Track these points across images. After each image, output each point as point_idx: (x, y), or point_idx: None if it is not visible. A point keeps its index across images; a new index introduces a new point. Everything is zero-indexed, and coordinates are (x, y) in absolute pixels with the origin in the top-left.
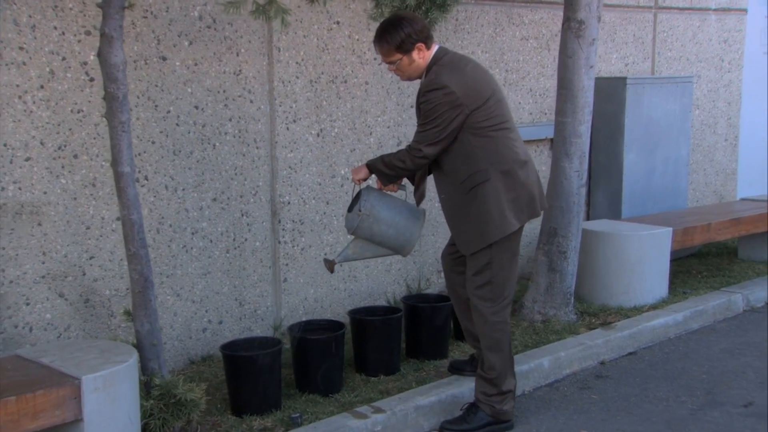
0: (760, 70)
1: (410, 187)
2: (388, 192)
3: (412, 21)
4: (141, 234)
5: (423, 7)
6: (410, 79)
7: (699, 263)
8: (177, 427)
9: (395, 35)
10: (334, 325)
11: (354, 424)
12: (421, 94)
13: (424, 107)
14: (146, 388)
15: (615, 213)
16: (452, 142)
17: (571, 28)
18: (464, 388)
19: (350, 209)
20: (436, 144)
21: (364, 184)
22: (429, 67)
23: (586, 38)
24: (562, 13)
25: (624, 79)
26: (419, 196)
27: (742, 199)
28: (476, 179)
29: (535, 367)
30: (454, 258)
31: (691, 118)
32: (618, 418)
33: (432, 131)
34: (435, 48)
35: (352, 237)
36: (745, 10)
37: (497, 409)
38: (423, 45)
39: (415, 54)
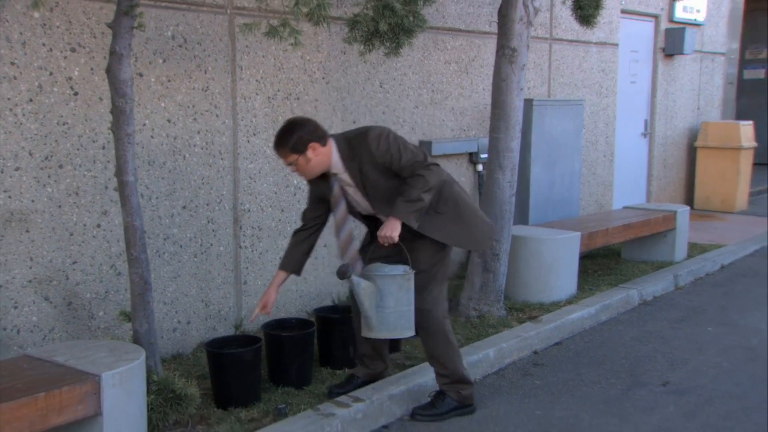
0: (628, 96)
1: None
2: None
3: (303, 124)
4: (142, 239)
5: (394, 32)
6: (312, 176)
7: (592, 264)
8: (171, 420)
9: (288, 139)
10: (303, 323)
11: (339, 412)
12: (375, 154)
13: (390, 154)
14: (146, 384)
15: (523, 220)
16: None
17: (505, 54)
18: (428, 378)
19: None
20: (421, 151)
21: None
22: (342, 152)
23: (518, 64)
24: (479, 41)
25: (531, 101)
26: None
27: (625, 207)
28: (443, 190)
29: (482, 358)
30: None
31: (582, 136)
32: (563, 400)
33: (414, 151)
34: (332, 142)
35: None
36: (617, 45)
37: (462, 394)
38: (316, 144)
39: (310, 153)
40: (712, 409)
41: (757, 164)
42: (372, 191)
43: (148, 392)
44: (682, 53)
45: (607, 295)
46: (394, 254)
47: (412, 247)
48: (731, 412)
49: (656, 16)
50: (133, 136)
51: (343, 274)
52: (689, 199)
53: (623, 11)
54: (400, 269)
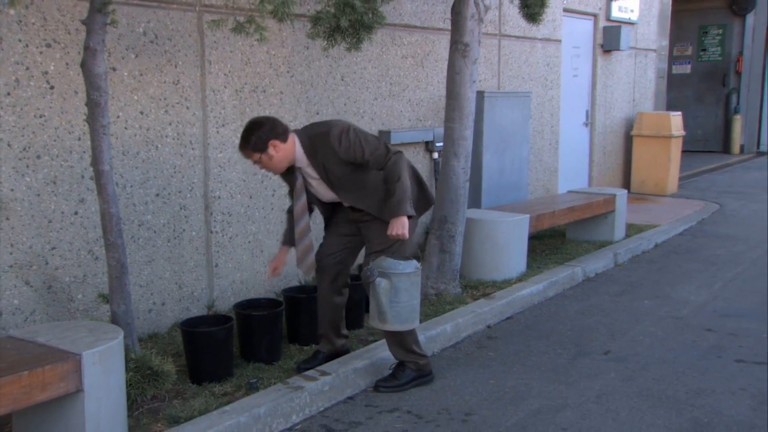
0: (571, 88)
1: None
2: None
3: (262, 124)
4: (118, 225)
5: (354, 28)
6: (279, 171)
7: (540, 244)
8: (149, 395)
9: (249, 139)
10: (272, 303)
11: (307, 385)
12: (338, 151)
13: (353, 150)
14: (125, 362)
15: (476, 203)
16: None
17: (458, 49)
18: (389, 352)
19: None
20: (383, 143)
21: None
22: (305, 148)
23: (470, 58)
24: (433, 37)
25: (482, 92)
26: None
27: (570, 192)
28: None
29: (440, 332)
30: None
31: (530, 126)
32: (515, 370)
33: (374, 143)
34: (294, 137)
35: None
36: (560, 41)
37: (420, 364)
38: (276, 141)
39: (271, 150)
40: (648, 374)
41: (684, 151)
42: (338, 183)
43: (127, 369)
44: (618, 49)
45: (554, 273)
46: (356, 232)
47: (371, 227)
48: (664, 376)
49: (595, 15)
50: (108, 128)
51: (366, 279)
52: (626, 183)
53: (565, 10)
54: (411, 266)
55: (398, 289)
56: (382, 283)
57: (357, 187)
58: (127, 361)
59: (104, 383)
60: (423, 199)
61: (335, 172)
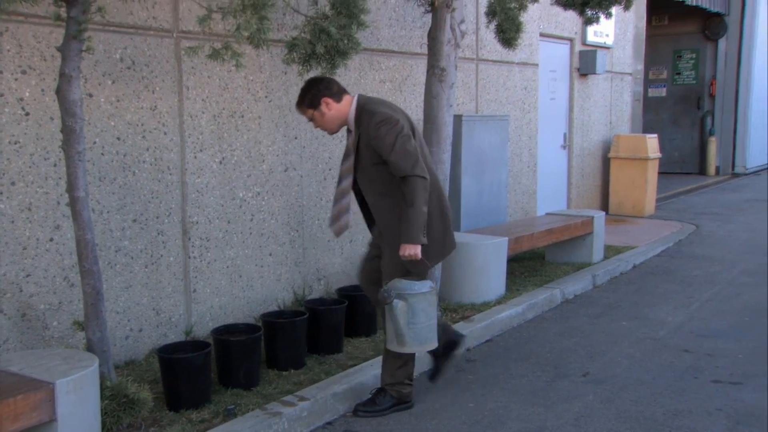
0: (549, 111)
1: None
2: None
3: (318, 82)
4: (94, 252)
5: (330, 54)
6: (332, 130)
7: (519, 266)
8: (125, 423)
9: (304, 96)
10: (251, 328)
11: (285, 410)
12: (371, 134)
13: (381, 142)
14: (100, 389)
15: (455, 227)
16: (384, 167)
17: (435, 74)
18: (368, 376)
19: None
20: (417, 159)
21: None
22: (356, 113)
23: (447, 82)
24: (411, 61)
25: (460, 116)
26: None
27: (548, 214)
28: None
29: (419, 356)
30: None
31: (508, 149)
32: (494, 393)
33: (405, 154)
34: (351, 99)
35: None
36: (537, 65)
37: (404, 392)
38: (329, 99)
39: (323, 108)
40: (626, 395)
41: (661, 173)
42: (361, 168)
43: (102, 397)
44: (594, 73)
45: (533, 295)
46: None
47: (385, 252)
48: (642, 397)
49: (571, 39)
50: (84, 154)
51: (383, 300)
52: (605, 205)
53: (542, 34)
54: (426, 285)
55: (415, 310)
56: (399, 305)
57: (376, 190)
58: (102, 389)
59: (78, 412)
60: (444, 242)
61: (364, 154)
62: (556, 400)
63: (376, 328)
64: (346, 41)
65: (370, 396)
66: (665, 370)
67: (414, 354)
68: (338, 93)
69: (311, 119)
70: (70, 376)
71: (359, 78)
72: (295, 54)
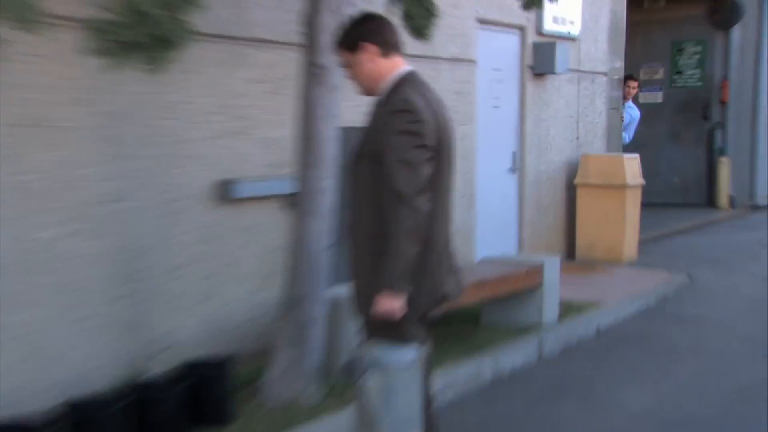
0: (491, 123)
1: None
2: None
3: (369, 20)
4: None
5: (143, 45)
6: (366, 89)
7: (446, 331)
8: None
9: (346, 34)
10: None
11: None
12: (382, 117)
13: (386, 134)
14: None
15: (347, 277)
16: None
17: (312, 73)
18: None
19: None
20: (418, 178)
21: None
22: (392, 85)
23: (328, 85)
24: (293, 54)
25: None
26: None
27: (482, 260)
28: None
29: None
30: None
31: None
32: None
33: (410, 170)
34: (402, 65)
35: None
36: (474, 61)
37: None
38: (374, 47)
39: (362, 56)
40: None
41: (655, 204)
42: (359, 152)
43: None
44: (553, 72)
45: (451, 370)
46: None
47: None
48: None
49: (522, 28)
50: None
51: (351, 375)
52: (570, 248)
53: (480, 20)
54: (411, 352)
55: (394, 387)
56: (370, 381)
57: (359, 197)
58: None
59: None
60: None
61: (368, 132)
62: None
63: (229, 417)
64: (174, 27)
65: None
66: None
67: None
68: (389, 46)
69: (345, 66)
70: None
71: (221, 77)
72: (101, 42)
